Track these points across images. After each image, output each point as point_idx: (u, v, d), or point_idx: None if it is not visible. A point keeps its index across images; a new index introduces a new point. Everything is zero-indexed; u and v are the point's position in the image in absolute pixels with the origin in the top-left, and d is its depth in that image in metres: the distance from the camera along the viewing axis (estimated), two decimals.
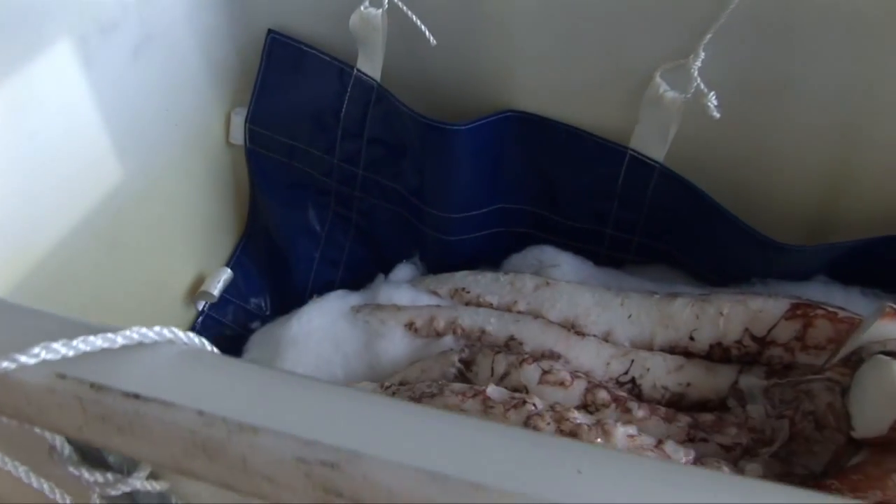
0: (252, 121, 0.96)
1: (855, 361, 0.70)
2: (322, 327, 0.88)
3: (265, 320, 1.03)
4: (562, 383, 0.76)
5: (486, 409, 0.74)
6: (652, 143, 0.83)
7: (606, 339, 0.82)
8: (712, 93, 0.76)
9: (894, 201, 0.81)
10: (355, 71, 0.89)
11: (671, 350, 0.80)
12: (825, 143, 0.80)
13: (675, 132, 0.81)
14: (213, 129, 0.97)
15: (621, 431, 0.70)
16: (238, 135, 0.97)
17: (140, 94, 0.85)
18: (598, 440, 0.70)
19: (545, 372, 0.77)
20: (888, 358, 0.66)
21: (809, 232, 0.86)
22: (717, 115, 0.76)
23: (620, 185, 0.86)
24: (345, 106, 0.91)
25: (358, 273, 1.00)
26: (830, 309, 0.75)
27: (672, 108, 0.79)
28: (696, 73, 0.76)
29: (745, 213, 0.82)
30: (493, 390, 0.75)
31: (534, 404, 0.73)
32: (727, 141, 0.83)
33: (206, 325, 1.02)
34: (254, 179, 1.00)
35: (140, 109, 0.85)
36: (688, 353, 0.80)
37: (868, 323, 0.71)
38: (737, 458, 0.72)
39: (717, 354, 0.79)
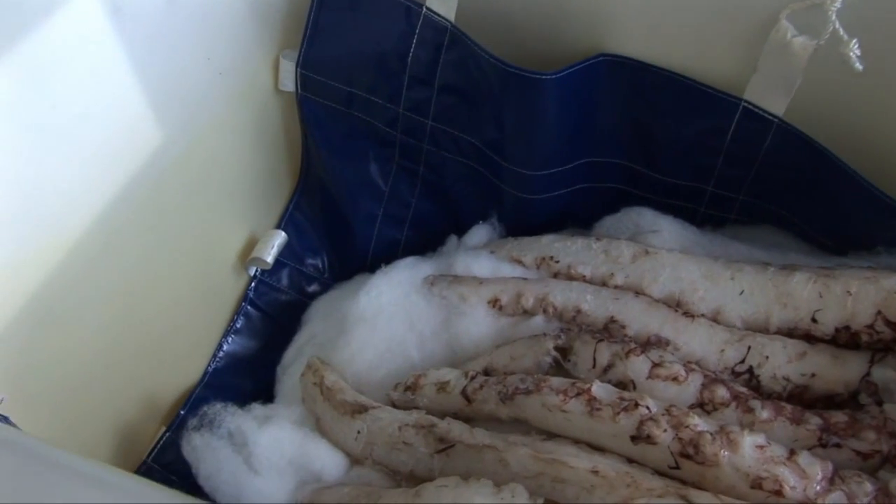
0: (304, 65, 0.85)
1: None
2: (393, 302, 0.79)
3: (324, 283, 0.95)
4: (675, 378, 0.67)
5: (593, 411, 0.65)
6: (771, 95, 0.73)
7: (716, 319, 0.73)
8: (854, 40, 0.65)
9: None
10: (424, 9, 0.79)
11: (790, 333, 0.71)
12: None
13: (800, 84, 0.71)
14: (260, 76, 0.87)
15: (749, 442, 0.62)
16: (288, 81, 0.87)
17: (176, 43, 0.75)
18: (724, 452, 0.62)
19: (655, 364, 0.68)
20: None
21: None
22: (859, 67, 0.66)
23: (729, 140, 0.76)
24: (412, 49, 0.80)
25: (426, 232, 0.91)
26: None
27: (800, 56, 0.69)
28: (833, 16, 0.66)
29: (874, 176, 0.72)
30: (598, 388, 0.66)
31: (647, 406, 0.64)
32: (862, 96, 0.73)
33: (259, 291, 0.94)
34: (307, 130, 0.91)
35: (177, 61, 0.76)
36: (809, 338, 0.71)
37: None
38: (875, 467, 0.64)
39: (843, 340, 0.70)
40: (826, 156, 0.73)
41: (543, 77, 0.74)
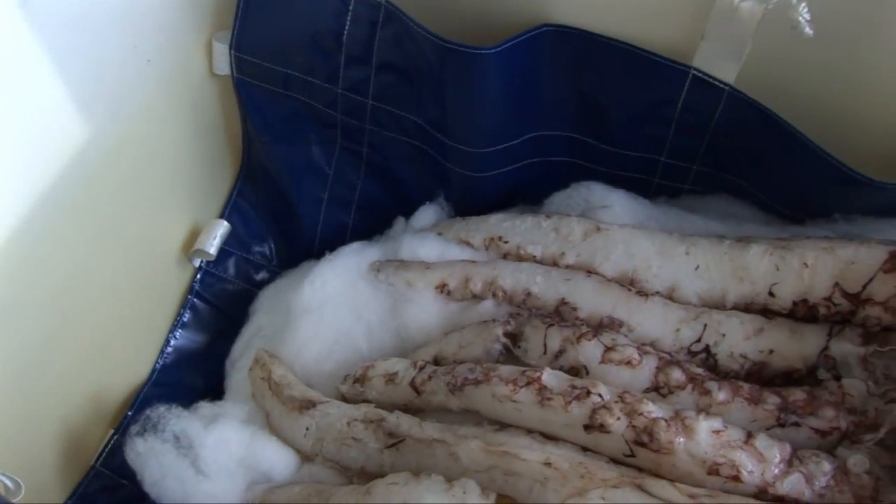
0: (237, 48, 0.81)
1: None
2: (339, 292, 0.76)
3: (272, 271, 0.92)
4: (629, 362, 0.65)
5: (543, 400, 0.63)
6: (720, 62, 0.70)
7: (671, 296, 0.71)
8: (803, 4, 0.63)
9: None
10: None
11: (747, 308, 0.69)
12: None
13: (750, 50, 0.69)
14: (192, 61, 0.83)
15: (704, 428, 0.60)
16: (223, 64, 0.83)
17: (97, 32, 0.70)
18: (679, 439, 0.60)
19: (608, 348, 0.66)
20: None
21: None
22: (809, 31, 0.63)
23: (680, 109, 0.74)
24: (347, 27, 0.77)
25: (374, 215, 0.88)
26: None
27: (749, 21, 0.66)
28: None
29: (828, 143, 0.70)
30: (549, 377, 0.64)
31: (600, 394, 0.62)
32: (813, 61, 0.70)
33: (205, 283, 0.91)
34: (246, 115, 0.87)
35: (99, 51, 0.71)
36: (767, 312, 0.69)
37: None
38: (834, 444, 0.62)
39: (801, 313, 0.68)
40: (778, 123, 0.70)
41: (483, 52, 0.71)
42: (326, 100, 0.83)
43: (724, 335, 0.68)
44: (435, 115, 0.78)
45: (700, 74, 0.71)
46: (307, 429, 0.71)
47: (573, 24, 0.73)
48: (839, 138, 0.72)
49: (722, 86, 0.71)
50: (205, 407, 0.74)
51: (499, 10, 0.75)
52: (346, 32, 0.77)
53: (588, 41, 0.72)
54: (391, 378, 0.71)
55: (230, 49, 0.82)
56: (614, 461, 0.63)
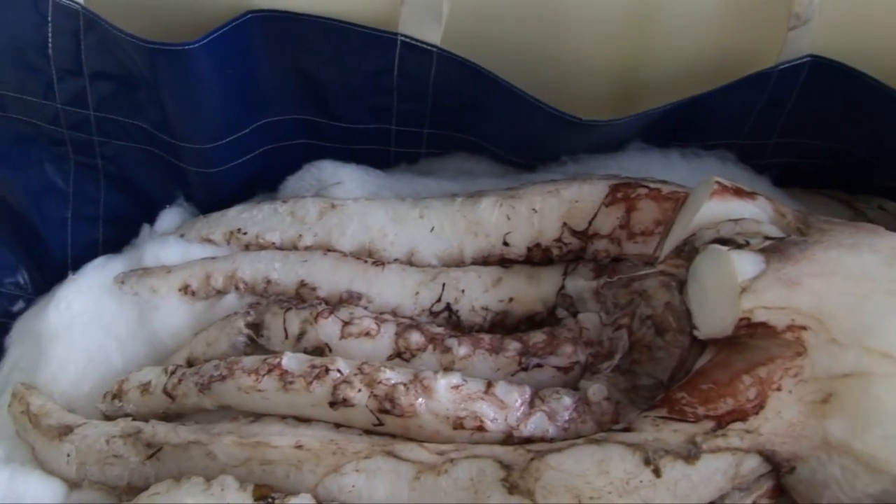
0: None
1: (689, 252, 0.62)
2: (85, 310, 0.74)
3: (29, 300, 0.88)
4: (367, 333, 0.66)
5: (286, 385, 0.63)
6: (424, 25, 0.71)
7: (410, 261, 0.71)
8: None
9: (693, 61, 0.75)
10: None
11: (485, 261, 0.71)
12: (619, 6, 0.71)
13: (449, 9, 0.70)
14: None
15: (443, 385, 0.61)
16: None
17: None
18: (420, 400, 0.61)
19: (346, 323, 0.66)
20: (723, 248, 0.59)
21: (615, 103, 0.78)
22: None
23: (397, 76, 0.74)
24: (50, 39, 0.74)
25: (123, 226, 0.84)
26: (652, 186, 0.67)
27: None
28: None
29: (544, 91, 0.72)
30: (288, 360, 0.64)
31: (338, 370, 0.62)
32: (511, 13, 0.72)
33: None
34: None
35: None
36: (505, 261, 0.70)
37: (696, 203, 0.63)
38: (576, 379, 0.64)
39: (537, 257, 0.70)
40: (489, 77, 0.71)
41: (187, 47, 0.69)
42: (48, 117, 0.79)
43: (463, 291, 0.69)
44: (158, 117, 0.76)
45: (407, 40, 0.71)
46: (69, 455, 0.69)
47: (278, 7, 0.72)
48: (551, 84, 0.74)
49: (430, 48, 0.71)
50: None
51: (204, 1, 0.74)
52: (50, 45, 0.74)
53: (295, 22, 0.72)
54: (145, 388, 0.70)
55: None
56: (368, 432, 0.63)
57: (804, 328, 0.57)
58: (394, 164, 0.81)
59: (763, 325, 0.57)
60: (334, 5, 0.72)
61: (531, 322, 0.68)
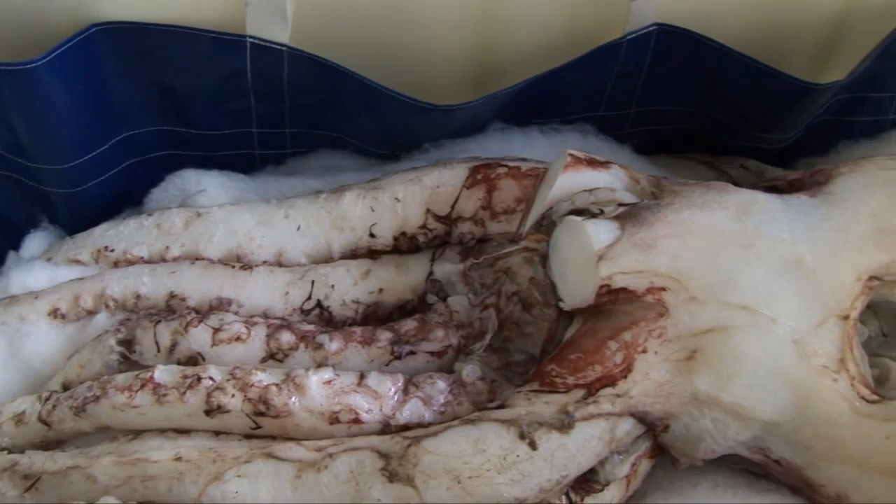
0: None
1: (547, 226, 0.63)
2: None
3: None
4: (238, 338, 0.65)
5: (160, 398, 0.62)
6: (271, 25, 0.70)
7: (279, 262, 0.71)
8: None
9: (544, 38, 0.76)
10: None
11: (353, 254, 0.71)
12: None
13: (295, 7, 0.70)
14: None
15: (314, 382, 0.61)
16: None
17: None
18: (293, 399, 0.60)
19: (216, 330, 0.66)
20: (578, 218, 0.60)
21: (475, 87, 0.79)
22: None
23: (251, 78, 0.73)
24: None
25: None
26: (512, 164, 0.68)
27: None
28: None
29: (403, 81, 0.72)
30: (161, 373, 0.63)
31: (210, 377, 0.62)
32: (359, 5, 0.73)
33: None
34: None
35: None
36: (373, 253, 0.70)
37: (552, 177, 0.64)
38: (451, 362, 0.65)
39: (405, 246, 0.70)
40: (341, 73, 0.71)
41: (29, 66, 0.68)
42: None
43: (332, 286, 0.69)
44: (10, 140, 0.74)
45: (256, 41, 0.71)
46: None
47: (122, 18, 0.71)
48: (409, 74, 0.74)
49: (279, 47, 0.71)
50: None
51: (43, 15, 0.72)
52: None
53: (142, 32, 0.70)
54: (20, 418, 0.68)
55: None
56: (248, 437, 0.63)
57: (663, 289, 0.58)
58: (260, 167, 0.81)
59: (623, 290, 0.58)
60: (180, 12, 0.71)
61: (403, 311, 0.69)
